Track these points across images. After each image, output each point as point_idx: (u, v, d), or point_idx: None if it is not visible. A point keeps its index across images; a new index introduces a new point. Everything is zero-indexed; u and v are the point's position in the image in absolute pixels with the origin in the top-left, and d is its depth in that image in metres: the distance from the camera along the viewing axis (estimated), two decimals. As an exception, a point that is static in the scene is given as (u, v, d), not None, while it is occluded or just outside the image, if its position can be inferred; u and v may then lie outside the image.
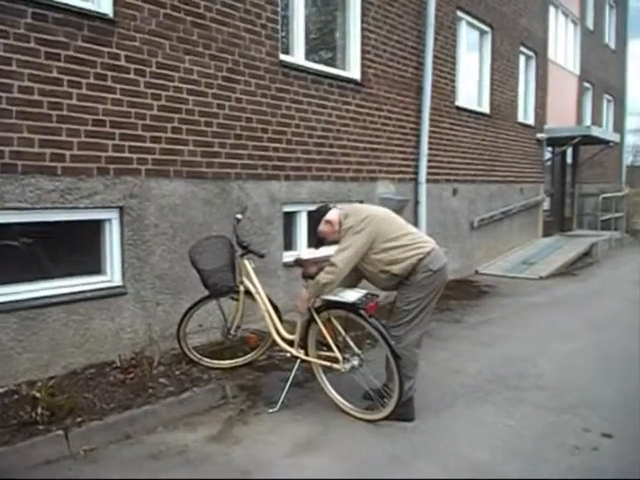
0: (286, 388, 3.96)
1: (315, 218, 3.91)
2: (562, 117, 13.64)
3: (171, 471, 3.04)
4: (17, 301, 4.01)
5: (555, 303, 7.50)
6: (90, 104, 4.28)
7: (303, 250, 6.33)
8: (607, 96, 18.12)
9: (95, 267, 4.56)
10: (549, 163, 13.26)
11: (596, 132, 12.63)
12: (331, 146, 6.48)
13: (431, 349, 5.00)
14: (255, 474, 3.02)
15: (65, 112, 4.15)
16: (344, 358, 3.69)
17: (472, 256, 9.72)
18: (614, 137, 14.37)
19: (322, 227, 3.84)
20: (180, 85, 4.85)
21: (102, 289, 4.50)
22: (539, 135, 12.17)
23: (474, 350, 5.31)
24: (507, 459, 3.21)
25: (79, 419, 3.44)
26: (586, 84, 15.92)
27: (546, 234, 12.94)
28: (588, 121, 15.75)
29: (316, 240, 3.97)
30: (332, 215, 3.82)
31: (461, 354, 5.18)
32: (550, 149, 13.29)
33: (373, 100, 7.08)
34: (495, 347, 5.41)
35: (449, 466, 3.13)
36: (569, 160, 15.15)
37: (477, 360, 4.99)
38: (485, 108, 10.03)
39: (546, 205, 13.27)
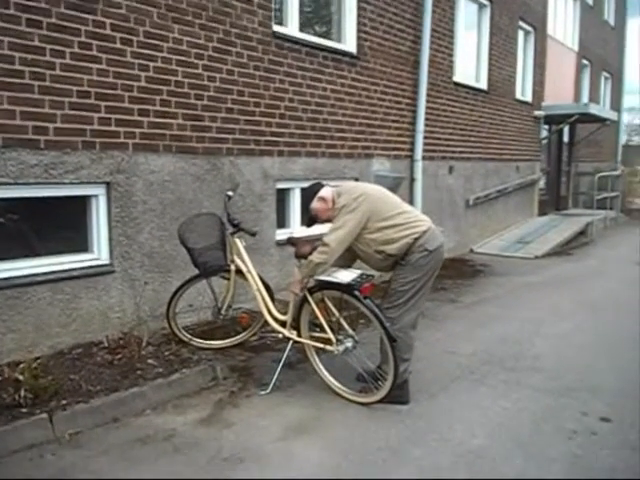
0: (278, 370, 3.86)
1: (307, 196, 3.78)
2: (560, 94, 13.45)
3: (158, 458, 2.94)
4: (0, 279, 3.88)
5: (551, 283, 7.42)
6: (74, 75, 4.10)
7: (296, 228, 6.20)
8: (605, 73, 17.93)
9: (82, 245, 4.43)
10: (545, 141, 13.11)
11: (594, 110, 12.46)
12: (325, 121, 6.32)
13: (426, 329, 4.92)
14: (246, 461, 2.92)
15: (48, 83, 3.97)
16: (337, 340, 3.59)
17: (467, 235, 9.62)
18: (612, 115, 14.22)
19: (315, 204, 3.70)
20: (169, 56, 4.66)
21: (89, 267, 4.37)
22: (537, 112, 12.00)
23: (469, 330, 5.23)
24: (504, 445, 3.13)
25: (64, 402, 3.33)
26: (584, 61, 15.71)
27: (541, 213, 12.85)
28: (586, 99, 15.57)
29: (308, 218, 3.84)
30: (325, 192, 3.69)
31: (456, 335, 5.10)
32: (547, 127, 13.12)
33: (369, 74, 6.89)
34: (491, 327, 5.33)
35: (444, 453, 3.05)
36: (565, 138, 15.00)
37: (473, 341, 4.91)
38: (483, 84, 9.84)
39: (542, 184, 13.16)
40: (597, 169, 15.49)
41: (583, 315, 5.77)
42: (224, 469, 2.85)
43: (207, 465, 2.88)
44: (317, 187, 3.75)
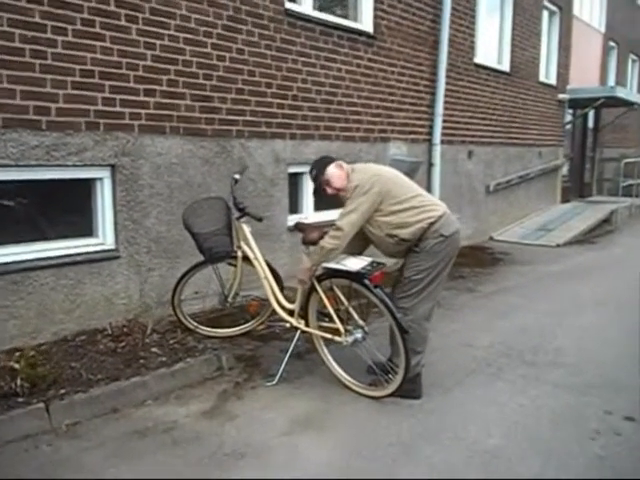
0: (285, 360, 3.72)
1: (324, 161, 3.55)
2: (585, 77, 13.03)
3: (155, 452, 2.81)
4: (2, 264, 3.78)
5: (573, 272, 7.17)
6: (77, 53, 3.95)
7: (309, 213, 6.04)
8: (632, 56, 17.35)
9: (86, 229, 4.30)
10: (569, 126, 12.72)
11: (621, 93, 12.03)
12: (340, 103, 6.11)
13: (442, 320, 4.73)
14: (247, 457, 2.79)
15: (49, 61, 3.83)
16: (346, 330, 3.42)
17: (487, 222, 9.37)
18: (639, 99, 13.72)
19: (332, 170, 3.47)
20: (176, 34, 4.49)
21: (93, 252, 4.25)
22: (561, 96, 11.62)
23: (487, 321, 5.03)
24: (521, 445, 2.95)
25: (63, 391, 3.22)
26: (611, 43, 15.21)
27: (564, 200, 12.51)
28: (612, 82, 15.08)
29: (315, 189, 3.62)
30: (342, 162, 3.53)
31: (473, 325, 4.90)
32: (571, 111, 12.73)
33: (386, 55, 6.65)
34: (510, 318, 5.12)
35: (458, 452, 2.87)
36: (590, 123, 14.57)
37: (490, 332, 4.71)
38: (505, 66, 9.51)
39: (565, 170, 12.79)
40: (623, 155, 15.03)
41: (607, 307, 5.53)
42: (224, 466, 2.71)
43: (206, 461, 2.74)
44: (328, 159, 3.60)
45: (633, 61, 17.59)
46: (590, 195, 14.53)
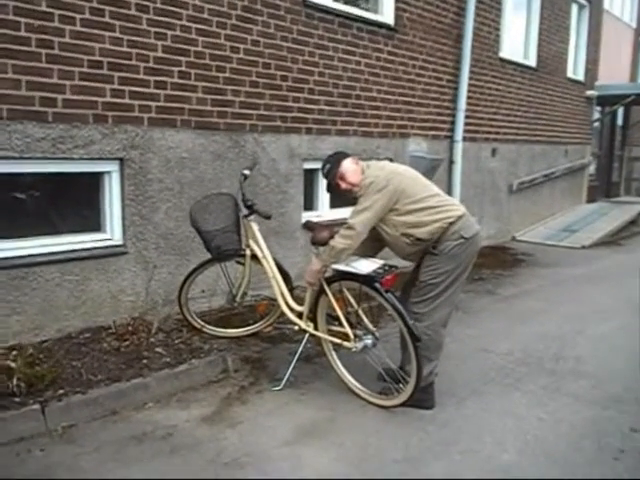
0: (292, 364, 3.57)
1: (338, 157, 3.38)
2: (614, 74, 12.64)
3: (152, 459, 2.69)
4: (5, 258, 3.70)
5: (598, 276, 6.90)
6: (85, 43, 3.84)
7: (325, 210, 5.88)
8: (665, 52, 16.80)
9: (93, 224, 4.21)
10: (597, 124, 12.35)
11: (652, 90, 11.63)
12: (358, 98, 5.93)
13: (458, 324, 4.55)
14: (246, 467, 2.65)
15: (56, 51, 3.72)
16: (356, 335, 3.26)
17: (509, 221, 9.11)
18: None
19: (347, 164, 3.30)
20: (188, 24, 4.36)
21: (100, 248, 4.15)
22: (589, 92, 11.27)
23: (507, 326, 4.83)
24: (538, 462, 2.77)
25: (61, 391, 3.13)
26: (643, 39, 14.74)
27: (590, 200, 12.17)
28: (643, 79, 14.64)
29: (327, 184, 3.45)
30: (353, 159, 3.37)
31: (492, 331, 4.70)
32: (599, 108, 12.35)
33: (407, 48, 6.45)
34: (530, 324, 4.91)
35: (469, 469, 2.70)
36: (619, 121, 14.15)
37: (509, 338, 4.51)
38: (532, 61, 9.21)
39: (591, 169, 12.42)
40: (653, 154, 14.60)
41: (632, 315, 5.26)
42: (221, 477, 2.58)
43: (203, 471, 2.61)
44: (342, 154, 3.43)
45: (665, 58, 17.04)
46: (617, 195, 14.14)
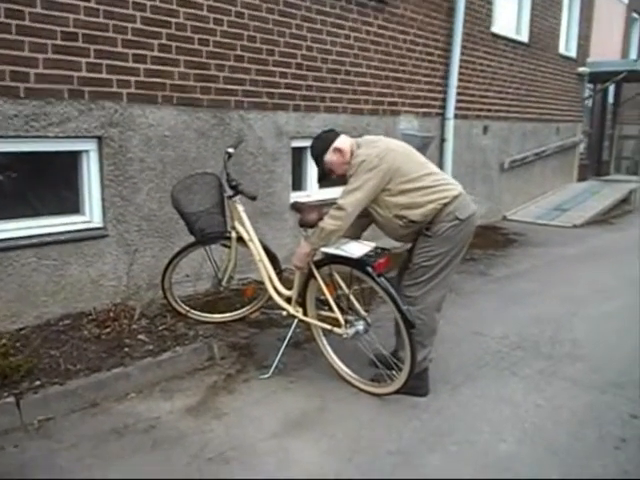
0: (281, 351, 3.44)
1: (320, 146, 3.19)
2: (606, 50, 12.44)
3: (132, 455, 2.55)
4: (-23, 243, 3.51)
5: (591, 255, 6.81)
6: (58, 13, 3.61)
7: (314, 190, 5.71)
8: (656, 29, 16.62)
9: (71, 206, 4.02)
10: (589, 101, 12.21)
11: (645, 67, 11.47)
12: (348, 73, 5.73)
13: (451, 306, 4.42)
14: (232, 462, 2.52)
15: (27, 22, 3.49)
16: (347, 321, 3.13)
17: (500, 200, 8.99)
18: (664, 74, 13.10)
19: (330, 157, 3.14)
20: (168, -6, 4.14)
21: (79, 230, 3.97)
22: (581, 69, 11.10)
23: (500, 308, 4.72)
24: (537, 453, 2.66)
25: (37, 383, 2.97)
26: (634, 14, 14.53)
27: (581, 178, 12.07)
28: (634, 55, 14.47)
29: (319, 173, 3.30)
30: (343, 142, 3.14)
31: (485, 313, 4.60)
32: (590, 86, 12.19)
33: (398, 21, 6.24)
34: (524, 305, 4.81)
35: (465, 461, 2.59)
36: (610, 98, 14.01)
37: (503, 321, 4.40)
38: (524, 36, 9.01)
39: (582, 147, 12.31)
40: (643, 132, 14.50)
41: (628, 294, 5.19)
42: (204, 473, 2.45)
43: (186, 467, 2.48)
44: (332, 136, 3.19)
45: (656, 34, 16.87)
46: (608, 173, 14.05)
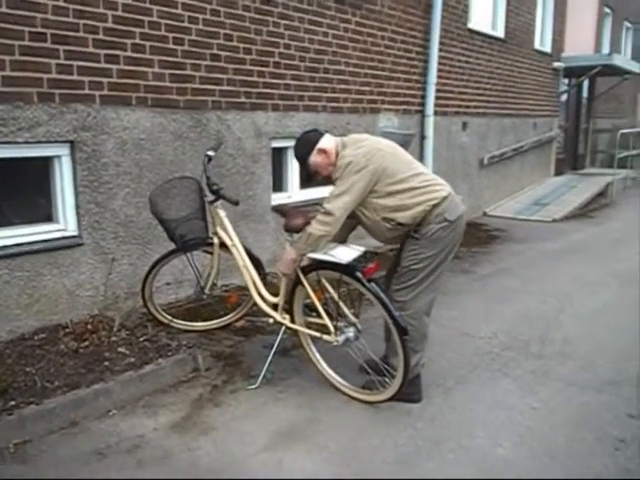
0: (268, 359, 3.33)
1: (304, 146, 3.07)
2: (579, 45, 12.53)
3: (116, 476, 2.42)
4: (-56, 256, 3.34)
5: (573, 250, 6.82)
6: (25, 13, 3.44)
7: (295, 191, 5.60)
8: (627, 23, 16.84)
9: (44, 214, 3.84)
10: (564, 96, 12.28)
11: (618, 61, 11.58)
12: (327, 71, 5.63)
13: (438, 307, 4.22)
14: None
15: (-8, 22, 3.33)
16: (337, 328, 3.02)
17: (480, 196, 8.98)
18: (637, 67, 13.26)
19: (315, 158, 3.02)
20: (141, -9, 3.98)
21: (53, 239, 3.80)
22: (556, 64, 11.15)
23: (487, 307, 4.66)
24: (535, 457, 2.59)
25: (12, 403, 2.81)
26: (606, 9, 14.68)
27: (558, 172, 12.14)
28: (606, 50, 14.61)
29: (305, 175, 3.18)
30: (327, 143, 3.01)
31: (472, 312, 4.54)
32: (565, 80, 12.27)
33: (375, 18, 6.15)
34: (511, 303, 4.76)
35: (464, 468, 2.52)
36: (584, 93, 14.13)
37: (491, 320, 4.35)
38: (500, 32, 9.00)
39: (560, 140, 12.39)
40: (616, 126, 14.64)
41: (613, 288, 5.19)
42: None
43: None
44: (316, 136, 3.06)
45: (627, 28, 17.10)
46: (584, 167, 14.18)
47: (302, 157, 3.08)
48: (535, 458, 2.59)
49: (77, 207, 3.87)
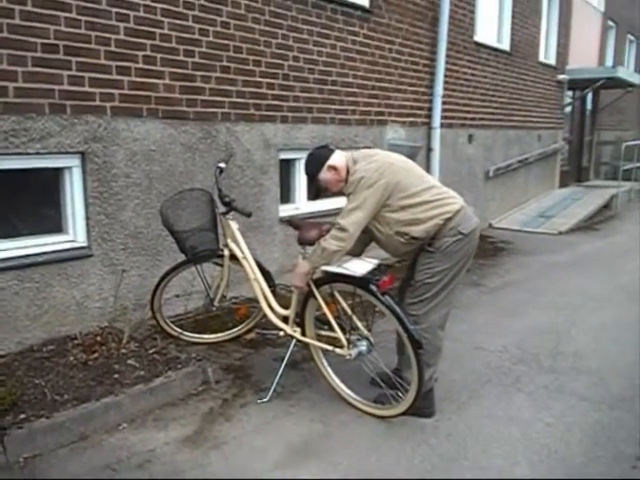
0: (279, 373, 3.29)
1: (314, 163, 3.06)
2: (583, 58, 12.58)
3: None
4: (-46, 267, 3.32)
5: (580, 262, 6.79)
6: (38, 24, 3.45)
7: (303, 203, 5.59)
8: (630, 36, 16.91)
9: (54, 225, 3.83)
10: (569, 108, 12.30)
11: (622, 74, 11.61)
12: (335, 84, 5.64)
13: (448, 320, 4.31)
14: (235, 498, 2.38)
15: (5, 34, 3.32)
16: (349, 341, 3.00)
17: (486, 208, 8.96)
18: (640, 80, 13.29)
19: (325, 175, 3.01)
20: (153, 4, 3.99)
21: (62, 251, 3.78)
22: (560, 77, 11.18)
23: (497, 320, 4.63)
24: (554, 476, 2.55)
25: (22, 416, 2.78)
26: (610, 22, 14.75)
27: (562, 185, 12.14)
28: (610, 62, 14.66)
29: (314, 191, 3.17)
30: (338, 160, 3.00)
31: (483, 326, 4.50)
32: (570, 93, 12.29)
33: (383, 31, 6.17)
34: (521, 316, 4.73)
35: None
36: (589, 105, 14.16)
37: (502, 333, 4.32)
38: (505, 45, 9.03)
39: (565, 152, 12.39)
40: (619, 138, 14.65)
41: (622, 302, 5.15)
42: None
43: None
44: (326, 153, 3.04)
45: (630, 41, 17.16)
46: (588, 179, 14.18)
47: (312, 174, 3.07)
48: (553, 477, 2.55)
49: (87, 218, 3.86)
